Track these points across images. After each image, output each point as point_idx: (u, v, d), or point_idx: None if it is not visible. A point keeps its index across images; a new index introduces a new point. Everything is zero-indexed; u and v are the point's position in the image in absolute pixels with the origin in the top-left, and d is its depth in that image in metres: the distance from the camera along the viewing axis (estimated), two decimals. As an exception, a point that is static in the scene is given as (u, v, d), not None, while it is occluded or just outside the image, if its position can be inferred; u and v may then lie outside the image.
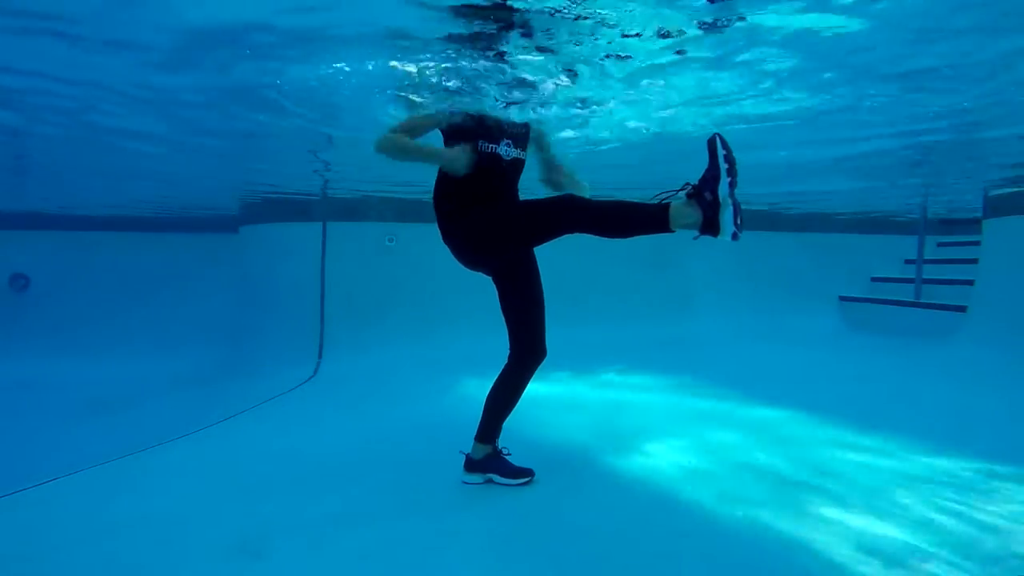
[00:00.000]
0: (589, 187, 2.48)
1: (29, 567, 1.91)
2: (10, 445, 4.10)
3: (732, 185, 1.85)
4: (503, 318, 2.43)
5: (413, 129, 2.31)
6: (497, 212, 2.20)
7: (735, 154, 1.90)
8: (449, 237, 2.30)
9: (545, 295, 2.45)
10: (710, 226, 1.87)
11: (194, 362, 6.60)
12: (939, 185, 5.66)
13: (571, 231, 2.03)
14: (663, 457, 2.82)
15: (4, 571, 1.88)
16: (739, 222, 1.86)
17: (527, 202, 2.18)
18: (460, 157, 2.20)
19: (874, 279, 7.58)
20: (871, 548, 1.92)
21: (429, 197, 2.38)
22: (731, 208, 1.85)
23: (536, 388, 4.11)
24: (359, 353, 5.38)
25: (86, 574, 1.87)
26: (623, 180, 5.50)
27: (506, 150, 2.30)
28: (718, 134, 1.90)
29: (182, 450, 3.22)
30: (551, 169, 2.55)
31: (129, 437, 3.36)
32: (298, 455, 2.96)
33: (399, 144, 2.23)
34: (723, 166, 1.85)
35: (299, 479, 2.62)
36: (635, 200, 1.98)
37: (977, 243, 5.93)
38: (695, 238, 1.93)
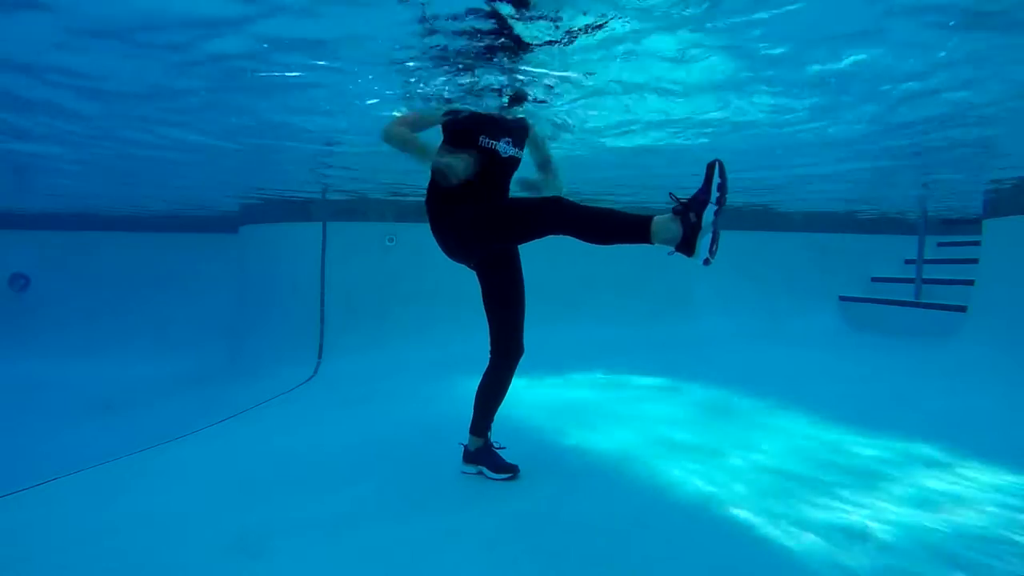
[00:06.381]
0: (565, 188, 2.51)
1: (29, 567, 1.91)
2: (10, 445, 4.11)
3: (717, 213, 1.90)
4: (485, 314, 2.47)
5: (416, 122, 2.33)
6: (485, 208, 2.22)
7: (729, 183, 1.93)
8: (437, 228, 2.33)
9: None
10: (687, 245, 1.92)
11: (194, 362, 6.62)
12: (939, 183, 5.63)
13: (555, 232, 2.05)
14: (663, 457, 2.82)
15: (4, 571, 1.88)
16: (714, 249, 1.92)
17: (515, 200, 2.20)
18: (455, 168, 2.16)
19: (874, 279, 7.58)
20: (871, 546, 1.92)
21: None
22: (711, 235, 1.90)
23: (535, 389, 4.17)
24: (359, 353, 5.39)
25: (87, 574, 1.87)
26: (624, 181, 5.50)
27: (504, 147, 2.32)
28: (719, 161, 1.92)
29: (182, 450, 3.22)
30: (541, 168, 2.58)
31: (130, 437, 3.37)
32: (298, 455, 2.97)
33: (402, 137, 2.26)
34: (715, 194, 1.89)
35: (299, 479, 2.63)
36: (621, 209, 2.02)
37: (977, 243, 5.91)
38: (669, 254, 1.97)
